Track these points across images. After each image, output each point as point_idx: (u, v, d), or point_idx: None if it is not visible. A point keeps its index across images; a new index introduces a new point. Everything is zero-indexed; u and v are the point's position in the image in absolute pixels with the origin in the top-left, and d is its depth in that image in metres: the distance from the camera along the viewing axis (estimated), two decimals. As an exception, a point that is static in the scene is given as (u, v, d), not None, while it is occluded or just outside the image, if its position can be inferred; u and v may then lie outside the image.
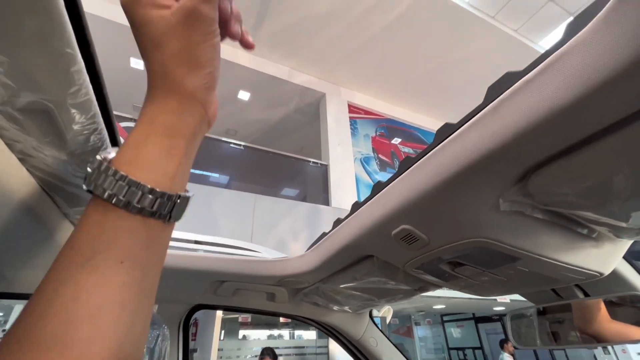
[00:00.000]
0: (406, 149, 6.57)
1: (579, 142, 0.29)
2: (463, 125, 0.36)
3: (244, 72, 5.67)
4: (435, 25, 5.13)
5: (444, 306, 7.32)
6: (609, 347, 5.81)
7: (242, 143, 5.10)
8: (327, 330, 1.04)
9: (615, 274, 0.50)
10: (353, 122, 6.18)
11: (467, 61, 5.67)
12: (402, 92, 6.54)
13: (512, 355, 5.77)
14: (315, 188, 5.33)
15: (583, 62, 0.24)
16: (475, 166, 0.34)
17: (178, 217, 0.27)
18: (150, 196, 0.24)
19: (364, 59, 5.84)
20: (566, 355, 7.04)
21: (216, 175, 5.05)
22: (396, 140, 6.63)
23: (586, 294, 0.54)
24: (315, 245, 0.73)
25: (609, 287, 0.51)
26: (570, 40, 0.25)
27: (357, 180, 5.49)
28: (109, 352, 0.21)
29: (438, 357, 8.73)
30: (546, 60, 0.27)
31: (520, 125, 0.28)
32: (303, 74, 6.08)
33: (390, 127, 6.64)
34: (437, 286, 0.65)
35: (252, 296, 0.89)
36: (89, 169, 0.24)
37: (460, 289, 0.59)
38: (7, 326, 3.72)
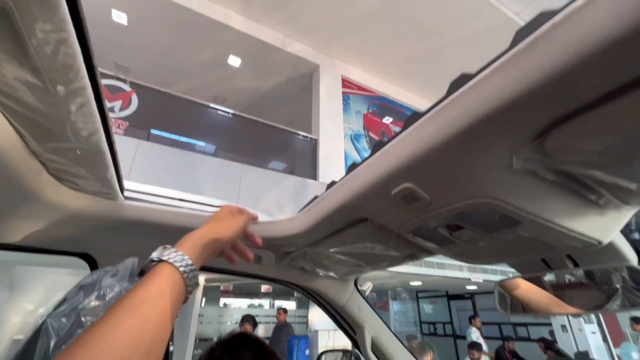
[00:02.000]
0: (397, 129, 6.52)
1: (607, 94, 0.26)
2: (479, 74, 0.32)
3: (235, 36, 5.39)
4: (436, 2, 4.96)
5: (420, 283, 7.64)
6: (567, 326, 6.27)
7: (231, 111, 4.93)
8: (312, 296, 1.04)
9: (610, 244, 0.50)
10: (346, 98, 6.07)
11: (465, 42, 5.56)
12: (398, 70, 6.41)
13: (479, 329, 6.15)
14: (304, 162, 5.28)
15: (613, 5, 0.21)
16: (494, 116, 0.31)
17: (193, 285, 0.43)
18: (192, 267, 0.42)
19: (362, 33, 5.65)
20: (527, 331, 7.56)
21: (202, 144, 4.90)
22: (388, 119, 6.58)
23: (576, 265, 0.54)
24: (306, 208, 0.70)
25: (600, 258, 0.52)
26: None
27: (346, 157, 5.47)
28: None
29: (409, 329, 9.23)
30: (573, 4, 0.24)
31: (556, 65, 0.25)
32: (297, 43, 5.84)
33: (382, 105, 6.56)
34: (429, 252, 0.64)
35: (238, 258, 0.87)
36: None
37: (454, 256, 0.59)
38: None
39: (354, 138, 5.85)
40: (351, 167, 0.57)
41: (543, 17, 0.29)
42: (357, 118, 6.11)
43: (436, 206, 0.44)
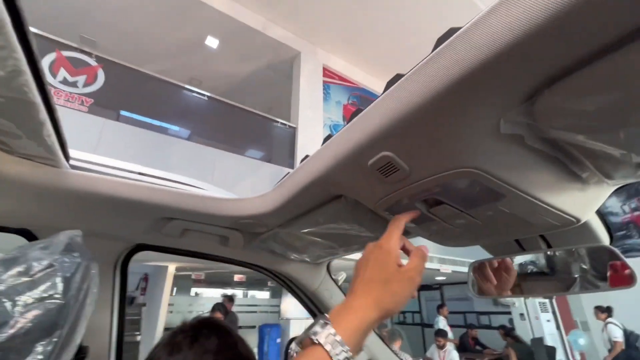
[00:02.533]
0: (376, 121, 6.57)
1: (604, 47, 0.24)
2: (472, 20, 0.29)
3: (214, 15, 5.14)
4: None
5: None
6: (525, 314, 6.68)
7: (207, 94, 4.73)
8: (282, 281, 1.00)
9: (583, 225, 0.49)
10: (326, 87, 6.00)
11: (445, 38, 5.63)
12: (379, 63, 6.40)
13: (446, 318, 6.43)
14: (282, 150, 5.19)
15: None
16: (483, 70, 0.27)
17: None
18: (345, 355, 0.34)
19: (345, 23, 5.56)
20: (489, 319, 7.99)
21: (176, 128, 4.68)
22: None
23: (549, 246, 0.53)
24: (277, 185, 0.66)
25: (573, 238, 0.51)
26: None
27: (325, 147, 5.43)
28: None
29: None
30: None
31: (557, 6, 0.22)
32: (279, 28, 5.66)
33: (363, 97, 6.55)
34: (405, 233, 0.61)
35: (203, 238, 0.81)
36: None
37: (429, 236, 0.56)
38: None
39: (334, 128, 5.81)
40: (326, 139, 0.53)
41: None
42: (337, 108, 6.07)
43: (416, 178, 0.41)
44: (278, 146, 5.28)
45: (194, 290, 8.28)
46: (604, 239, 0.50)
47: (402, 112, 0.35)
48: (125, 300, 0.85)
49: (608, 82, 0.26)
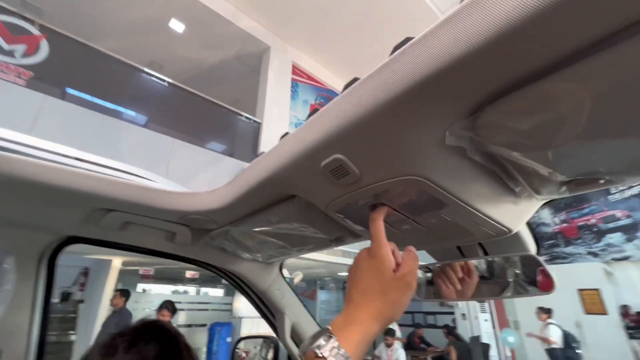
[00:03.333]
0: (341, 124, 6.67)
1: (543, 68, 0.26)
2: (424, 32, 0.30)
3: (180, -3, 4.86)
4: (390, 8, 5.13)
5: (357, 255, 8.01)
6: (466, 314, 7.20)
7: (168, 79, 4.46)
8: (232, 280, 0.97)
9: (515, 235, 0.53)
10: (294, 85, 5.96)
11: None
12: (348, 65, 6.50)
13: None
14: (245, 145, 5.06)
15: None
16: (425, 88, 0.29)
17: None
18: None
19: (317, 23, 5.57)
20: (435, 319, 8.49)
21: (132, 112, 4.35)
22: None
23: (486, 253, 0.57)
24: (230, 181, 0.63)
25: (506, 247, 0.55)
26: None
27: (289, 145, 5.40)
28: None
29: (333, 317, 9.66)
30: None
31: (501, 26, 0.23)
32: (250, 19, 5.52)
33: (330, 98, 6.59)
34: (355, 236, 0.62)
35: (147, 233, 0.76)
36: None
37: (377, 239, 0.58)
38: None
39: (299, 127, 5.81)
40: (283, 137, 0.52)
41: None
42: (303, 107, 6.06)
43: (365, 182, 0.42)
44: (241, 140, 5.14)
45: (141, 287, 7.78)
46: (532, 248, 0.55)
47: (354, 116, 0.35)
48: (50, 298, 0.76)
49: (539, 104, 0.28)
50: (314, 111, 0.45)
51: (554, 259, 7.31)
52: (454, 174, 0.38)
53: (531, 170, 0.35)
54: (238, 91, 6.48)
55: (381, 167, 0.39)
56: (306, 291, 9.85)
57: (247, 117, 5.05)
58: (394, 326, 6.31)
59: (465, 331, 6.78)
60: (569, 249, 7.05)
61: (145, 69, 4.32)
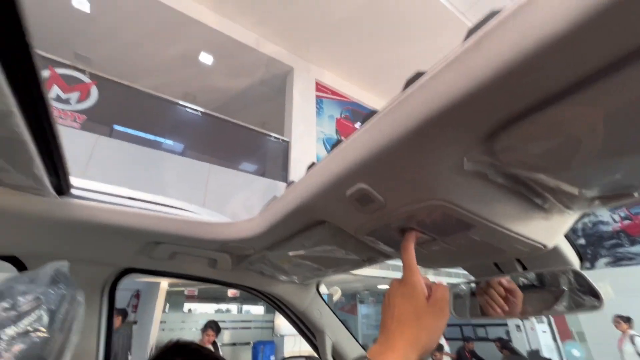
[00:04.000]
0: (368, 134, 6.65)
1: (553, 95, 0.26)
2: (435, 68, 0.32)
3: (208, 32, 5.24)
4: (407, 14, 5.13)
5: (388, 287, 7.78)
6: (521, 326, 6.66)
7: (201, 109, 4.77)
8: (272, 301, 1.00)
9: (554, 249, 0.52)
10: (319, 101, 6.09)
11: (434, 52, 5.79)
12: (371, 77, 6.54)
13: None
14: (275, 164, 5.21)
15: (555, 3, 0.21)
16: (440, 120, 0.30)
17: None
18: None
19: (337, 39, 5.70)
20: (486, 331, 7.94)
21: (170, 142, 4.69)
22: (359, 125, 6.68)
23: (525, 268, 0.55)
24: (264, 209, 0.67)
25: (546, 262, 0.53)
26: None
27: (319, 160, 5.47)
28: None
29: (376, 332, 9.36)
30: (517, 3, 0.24)
31: (490, 73, 0.25)
32: (272, 44, 5.78)
33: (355, 111, 6.65)
34: (387, 256, 0.63)
35: (192, 261, 0.82)
36: None
37: (409, 259, 0.58)
38: None
39: (327, 142, 5.88)
40: (310, 167, 0.55)
41: (493, 15, 0.28)
42: (329, 122, 6.15)
43: (391, 208, 0.43)
44: (272, 160, 5.30)
45: (187, 307, 8.11)
46: (574, 261, 0.53)
47: (375, 149, 0.37)
48: (112, 323, 0.85)
49: (551, 129, 0.28)
50: (336, 142, 0.48)
51: (618, 260, 6.60)
52: (477, 196, 0.38)
53: (557, 189, 0.35)
54: (266, 113, 6.74)
55: (404, 193, 0.40)
56: (345, 306, 9.69)
57: (275, 137, 5.22)
58: (442, 340, 5.99)
59: (521, 344, 6.27)
60: (636, 249, 6.35)
61: (180, 102, 4.66)
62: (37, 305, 0.39)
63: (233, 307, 8.84)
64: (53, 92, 3.43)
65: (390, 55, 5.94)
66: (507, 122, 0.30)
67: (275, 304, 1.02)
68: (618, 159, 0.30)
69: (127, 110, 4.30)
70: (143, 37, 5.29)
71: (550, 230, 0.44)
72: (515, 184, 0.37)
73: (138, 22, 5.02)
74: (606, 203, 0.37)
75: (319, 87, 6.19)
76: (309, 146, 5.47)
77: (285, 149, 5.27)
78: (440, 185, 0.38)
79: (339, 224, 0.54)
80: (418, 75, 0.35)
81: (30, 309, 0.38)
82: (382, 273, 5.43)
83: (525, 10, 0.24)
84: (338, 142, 0.48)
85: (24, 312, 0.38)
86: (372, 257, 0.66)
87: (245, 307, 9.25)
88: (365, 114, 0.43)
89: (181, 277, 0.88)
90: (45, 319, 0.39)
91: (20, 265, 0.69)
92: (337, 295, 5.07)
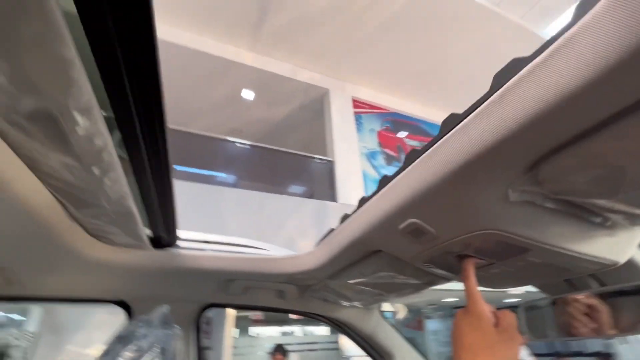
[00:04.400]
0: (413, 142, 6.50)
1: (590, 128, 0.28)
2: (468, 115, 0.35)
3: (247, 71, 5.67)
4: (437, 15, 5.04)
5: (456, 299, 7.28)
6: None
7: (248, 142, 5.11)
8: (338, 326, 1.04)
9: (631, 262, 0.49)
10: (358, 117, 6.15)
11: (471, 51, 5.57)
12: (407, 85, 6.46)
13: (526, 346, 5.72)
14: (322, 184, 5.33)
15: (591, 46, 0.23)
16: (482, 158, 0.33)
17: None
18: None
19: (367, 53, 5.79)
20: (581, 344, 6.94)
21: (223, 174, 5.09)
22: (402, 134, 6.57)
23: (602, 284, 0.52)
24: (322, 242, 0.73)
25: (626, 276, 0.50)
26: (577, 24, 0.24)
27: (365, 176, 5.47)
28: None
29: (449, 350, 8.69)
30: (553, 45, 0.26)
31: (527, 113, 0.28)
32: (306, 71, 6.05)
33: (395, 121, 6.58)
34: (446, 279, 0.64)
35: (262, 294, 0.90)
36: None
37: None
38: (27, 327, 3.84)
39: (370, 156, 5.87)
40: (361, 202, 0.59)
41: (515, 63, 0.31)
42: (371, 136, 6.15)
43: (443, 239, 0.46)
44: (319, 181, 5.43)
45: (253, 331, 8.39)
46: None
47: (422, 187, 0.41)
48: (201, 352, 0.95)
49: (591, 160, 0.30)
50: (383, 178, 0.52)
51: None
52: (529, 222, 0.39)
53: (614, 209, 0.35)
54: (308, 136, 6.97)
55: (455, 225, 0.43)
56: (411, 322, 9.21)
57: (320, 159, 5.36)
58: (528, 358, 5.38)
59: (627, 358, 5.37)
60: None
61: (229, 138, 5.06)
62: (155, 346, 0.48)
63: (297, 329, 8.92)
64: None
65: (426, 60, 5.84)
66: (546, 155, 0.32)
67: (342, 329, 1.05)
68: None
69: (183, 152, 4.78)
70: (191, 85, 5.89)
71: (618, 246, 0.42)
72: (568, 206, 0.37)
73: (186, 73, 5.62)
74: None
75: (356, 103, 6.27)
76: (353, 163, 5.51)
77: (330, 168, 5.37)
78: (489, 215, 0.39)
79: (394, 253, 0.57)
80: (452, 117, 0.38)
81: (150, 350, 0.48)
82: (444, 286, 5.12)
83: (548, 62, 0.26)
84: (385, 178, 0.52)
85: (145, 354, 0.47)
86: (432, 281, 0.67)
87: (309, 329, 9.28)
88: (408, 153, 0.46)
89: (254, 308, 0.96)
90: (161, 357, 0.48)
91: (127, 307, 0.83)
92: (402, 314, 4.88)
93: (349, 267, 0.72)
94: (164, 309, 0.57)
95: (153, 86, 0.34)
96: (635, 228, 0.41)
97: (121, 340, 0.48)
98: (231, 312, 6.19)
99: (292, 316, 7.80)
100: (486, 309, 0.43)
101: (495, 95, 0.31)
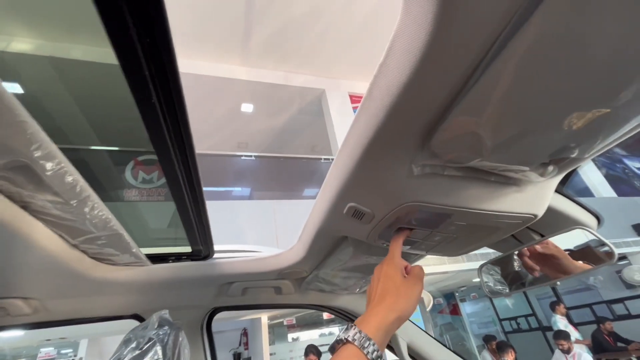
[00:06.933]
0: (416, 128, 6.45)
1: (449, 104, 0.33)
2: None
3: (243, 85, 5.82)
4: None
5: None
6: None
7: (254, 154, 5.25)
8: (339, 313, 1.10)
9: (559, 212, 0.53)
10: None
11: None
12: (401, 71, 6.43)
13: (565, 315, 5.56)
14: (331, 183, 5.38)
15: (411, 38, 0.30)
16: (376, 142, 0.39)
17: None
18: (378, 353, 0.42)
19: (356, 47, 5.81)
20: (625, 307, 6.65)
21: (238, 188, 5.24)
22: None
23: (542, 235, 0.56)
24: (299, 236, 0.79)
25: (560, 224, 0.54)
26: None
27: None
28: None
29: (489, 330, 8.53)
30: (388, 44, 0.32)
31: (386, 102, 0.34)
32: (300, 75, 6.14)
33: (395, 109, 6.56)
34: (406, 254, 0.69)
35: (261, 292, 0.97)
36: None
37: (427, 252, 0.64)
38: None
39: (375, 148, 5.88)
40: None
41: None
42: (373, 128, 6.16)
43: (379, 216, 0.51)
44: (327, 180, 5.49)
45: (291, 336, 8.51)
46: (590, 222, 0.53)
47: (348, 170, 0.46)
48: (215, 356, 1.03)
49: (463, 124, 0.34)
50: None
51: None
52: (440, 191, 0.44)
53: (508, 168, 0.40)
54: (312, 138, 7.05)
55: (382, 203, 0.49)
56: (446, 307, 9.09)
57: (325, 158, 5.43)
58: (567, 327, 5.23)
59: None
60: None
61: (236, 153, 5.20)
62: (153, 344, 0.56)
63: (334, 330, 8.97)
64: (139, 177, 4.17)
65: (414, 44, 5.80)
66: (430, 131, 0.37)
67: (344, 315, 1.11)
68: (531, 132, 0.34)
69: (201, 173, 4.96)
70: (191, 109, 6.00)
71: (532, 199, 0.46)
72: (471, 171, 0.42)
73: (187, 97, 5.82)
74: (562, 168, 0.40)
75: (353, 98, 6.31)
76: (359, 157, 5.53)
77: (336, 166, 5.42)
78: (405, 190, 0.45)
79: (354, 236, 0.63)
80: None
81: (148, 347, 0.56)
82: (472, 265, 5.06)
83: (386, 58, 0.32)
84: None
85: (145, 350, 0.55)
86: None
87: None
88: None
89: (258, 307, 1.04)
90: (160, 351, 0.56)
91: (140, 319, 0.92)
92: (428, 300, 4.85)
93: (329, 256, 0.78)
94: (161, 313, 0.66)
95: (184, 125, 0.42)
96: (543, 180, 0.45)
97: (125, 342, 0.56)
98: (264, 321, 6.34)
99: (325, 317, 7.87)
100: (400, 262, 0.51)
101: (366, 91, 0.38)
